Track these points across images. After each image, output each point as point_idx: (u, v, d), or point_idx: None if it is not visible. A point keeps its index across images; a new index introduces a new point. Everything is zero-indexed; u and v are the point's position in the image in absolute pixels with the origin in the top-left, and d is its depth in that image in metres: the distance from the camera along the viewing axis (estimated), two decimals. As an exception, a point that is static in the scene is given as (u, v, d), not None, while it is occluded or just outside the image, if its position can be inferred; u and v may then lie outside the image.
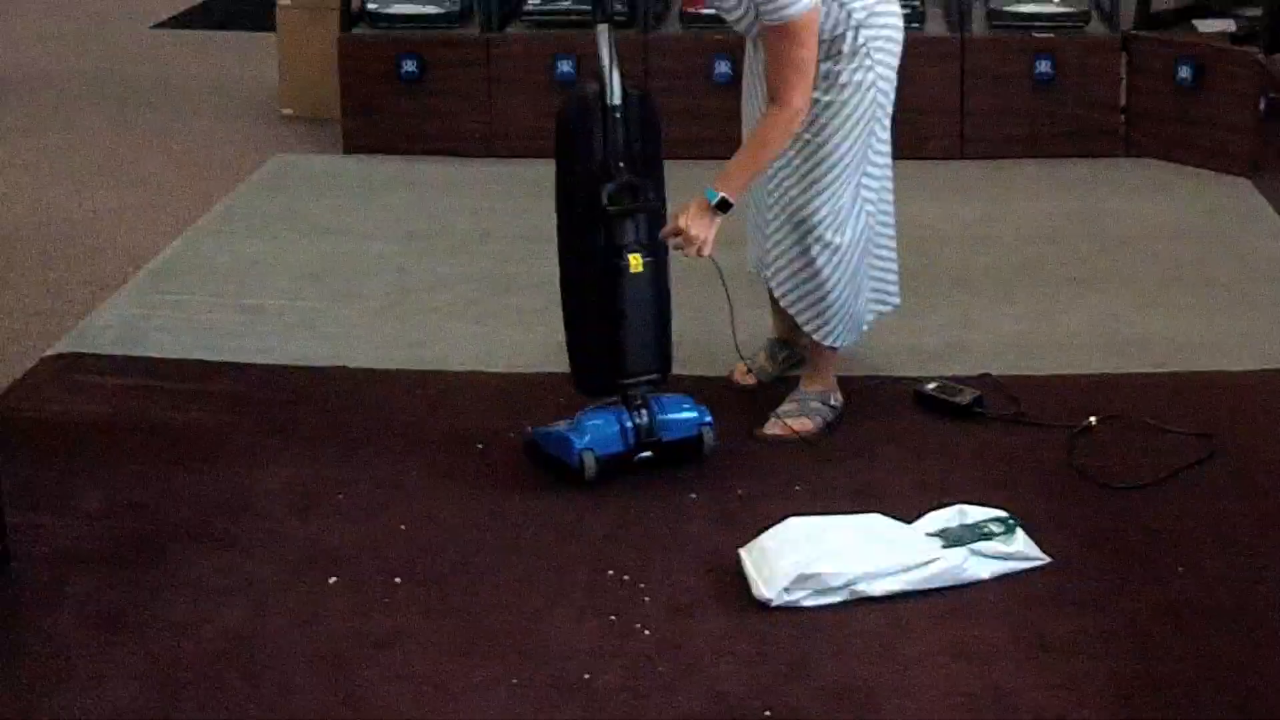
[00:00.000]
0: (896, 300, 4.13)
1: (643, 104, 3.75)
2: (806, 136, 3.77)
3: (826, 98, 3.75)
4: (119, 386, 4.31)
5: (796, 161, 3.80)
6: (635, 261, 3.69)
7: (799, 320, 3.97)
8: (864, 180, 3.86)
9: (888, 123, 3.88)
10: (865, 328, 4.09)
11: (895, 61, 3.82)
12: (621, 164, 3.70)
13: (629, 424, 3.73)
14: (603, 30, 3.71)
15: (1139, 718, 2.95)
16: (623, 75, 3.71)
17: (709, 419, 3.82)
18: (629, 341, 3.74)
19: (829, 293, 3.89)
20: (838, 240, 3.84)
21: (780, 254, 3.91)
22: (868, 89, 3.77)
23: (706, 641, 3.19)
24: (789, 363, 4.24)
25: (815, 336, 3.97)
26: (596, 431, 3.72)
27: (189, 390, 4.28)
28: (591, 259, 3.73)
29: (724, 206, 3.69)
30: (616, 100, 3.69)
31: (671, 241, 3.74)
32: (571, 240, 3.79)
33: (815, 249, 3.84)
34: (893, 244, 4.05)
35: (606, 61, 3.69)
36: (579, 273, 3.79)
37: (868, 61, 3.75)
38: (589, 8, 5.96)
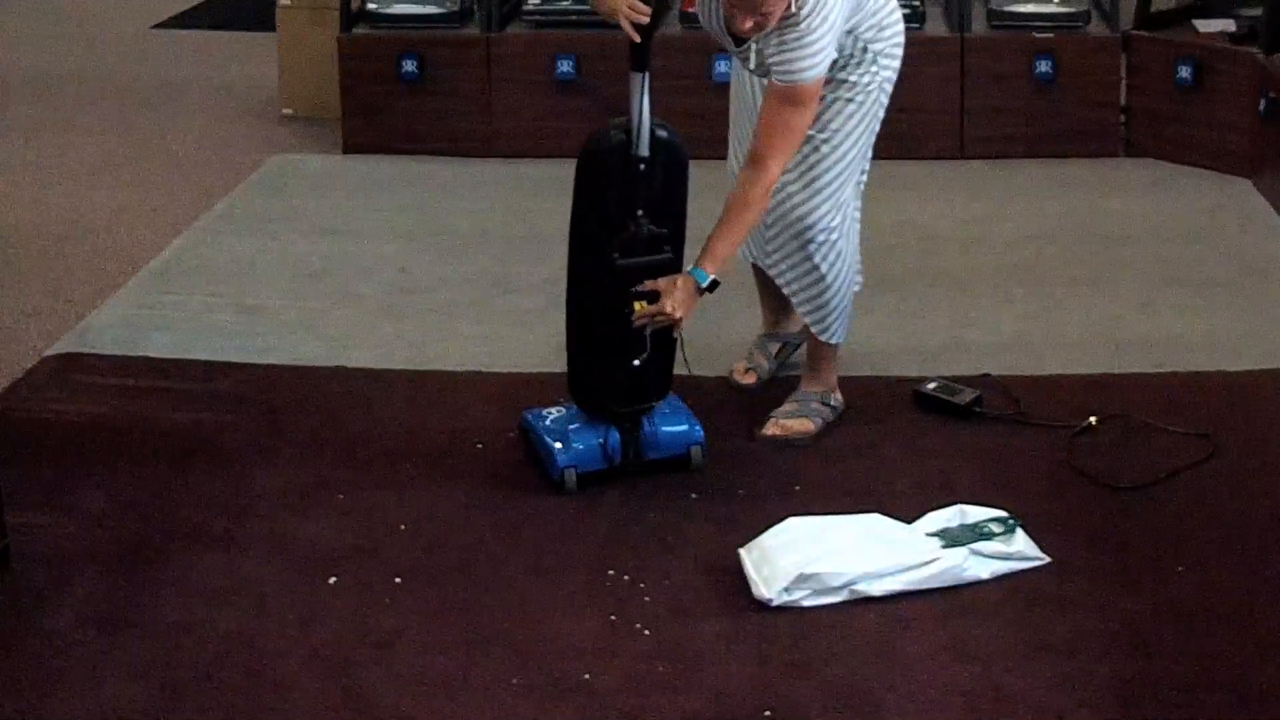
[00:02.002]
0: (860, 282, 4.12)
1: (670, 149, 3.62)
2: (810, 132, 3.76)
3: (834, 94, 3.75)
4: (119, 386, 4.30)
5: (796, 158, 3.80)
6: (641, 309, 3.62)
7: (802, 314, 3.96)
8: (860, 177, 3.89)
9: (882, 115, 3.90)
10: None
11: (899, 64, 3.84)
12: (640, 212, 3.60)
13: (615, 443, 3.72)
14: (637, 78, 3.58)
15: (1139, 718, 2.95)
16: (654, 117, 3.59)
17: (700, 436, 3.80)
18: (626, 381, 3.71)
19: (828, 287, 3.89)
20: (835, 238, 3.84)
21: (778, 247, 3.90)
22: (874, 89, 3.78)
23: (706, 641, 3.19)
24: (784, 355, 4.24)
25: (815, 331, 3.96)
26: (582, 447, 3.72)
27: (189, 390, 4.28)
28: (597, 302, 3.68)
29: (714, 287, 3.64)
30: (644, 152, 3.58)
31: (647, 321, 3.60)
32: (579, 280, 3.72)
33: (811, 247, 3.83)
34: (858, 229, 4.05)
35: (638, 112, 3.57)
36: (583, 311, 3.74)
37: (874, 67, 3.77)
38: (589, 8, 5.97)
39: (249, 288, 4.95)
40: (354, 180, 5.95)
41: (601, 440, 3.72)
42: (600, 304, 3.67)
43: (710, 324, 4.38)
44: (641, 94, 3.58)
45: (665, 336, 3.72)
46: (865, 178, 3.95)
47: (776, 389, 4.14)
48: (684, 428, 3.81)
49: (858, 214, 3.98)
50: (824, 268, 3.86)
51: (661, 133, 3.61)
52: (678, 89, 5.87)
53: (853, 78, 3.76)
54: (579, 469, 3.71)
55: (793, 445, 3.93)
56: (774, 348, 4.27)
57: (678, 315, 3.60)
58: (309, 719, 2.99)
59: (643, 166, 3.59)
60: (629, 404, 3.74)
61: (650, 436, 3.75)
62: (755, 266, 4.13)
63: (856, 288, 4.08)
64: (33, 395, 4.27)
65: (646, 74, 3.59)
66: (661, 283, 3.61)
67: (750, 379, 4.22)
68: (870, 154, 3.91)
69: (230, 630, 3.24)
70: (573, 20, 6.09)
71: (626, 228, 3.61)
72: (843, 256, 3.88)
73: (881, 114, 3.86)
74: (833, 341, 3.99)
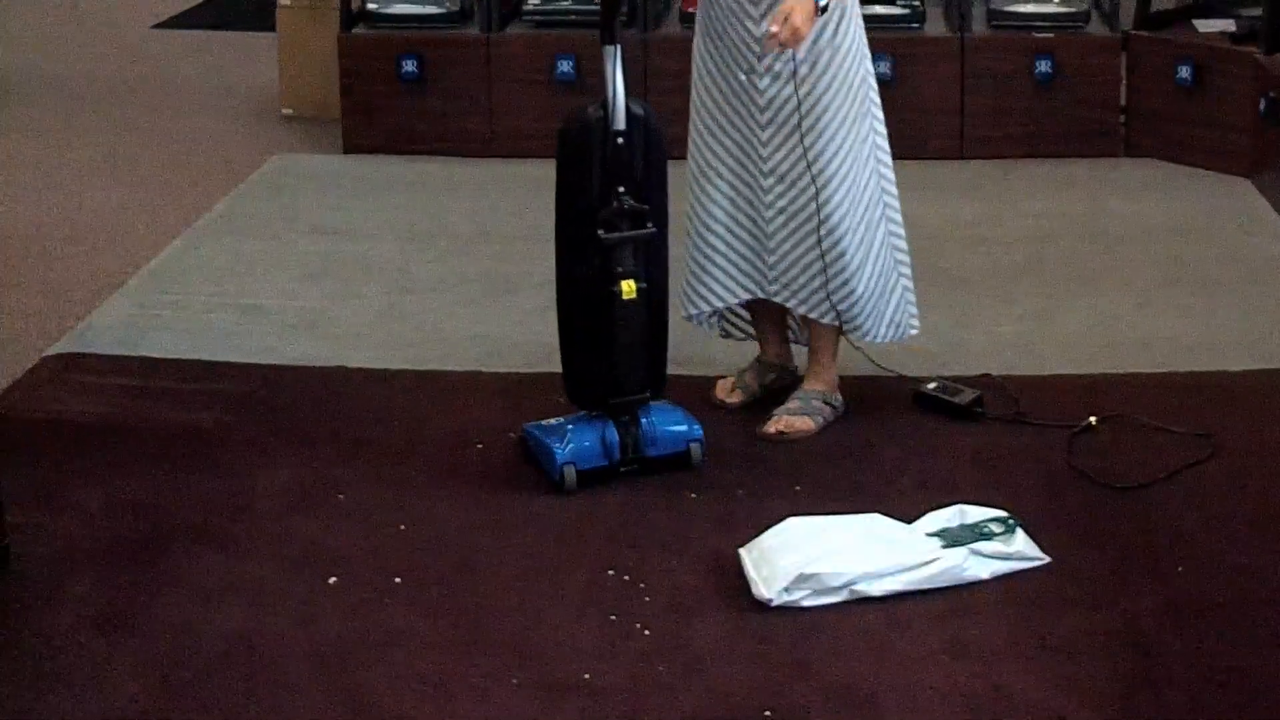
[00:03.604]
0: (915, 325, 4.12)
1: (646, 124, 3.69)
2: (799, 99, 3.79)
3: (813, 76, 3.77)
4: (119, 386, 4.30)
5: (795, 153, 3.81)
6: (628, 288, 3.66)
7: (827, 319, 3.93)
8: (885, 199, 3.91)
9: (882, 117, 3.91)
10: (914, 330, 4.10)
11: (861, 24, 3.86)
12: (622, 189, 3.65)
13: (614, 439, 3.73)
14: (610, 52, 3.64)
15: (1139, 718, 2.95)
16: (628, 96, 3.65)
17: (698, 434, 3.81)
18: (619, 364, 3.72)
19: (853, 275, 3.86)
20: (859, 225, 3.84)
21: (785, 253, 3.90)
22: (846, 60, 3.80)
23: (706, 641, 3.19)
24: (776, 385, 4.17)
25: (847, 329, 3.94)
26: (580, 445, 3.72)
27: (189, 390, 4.28)
28: (585, 283, 3.71)
29: (824, 10, 3.69)
30: (620, 125, 3.63)
31: (769, 42, 3.68)
32: (567, 262, 3.76)
33: (829, 225, 3.83)
34: (909, 270, 4.06)
35: (612, 85, 3.63)
36: (572, 294, 3.77)
37: (839, 35, 3.79)
38: (589, 8, 5.97)
39: (249, 288, 4.95)
40: (354, 180, 5.95)
41: (600, 436, 3.72)
42: (587, 280, 3.69)
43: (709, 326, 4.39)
44: (614, 68, 3.62)
45: (659, 328, 3.75)
46: (889, 172, 3.95)
47: (777, 388, 4.13)
48: (683, 425, 3.81)
49: (896, 229, 3.98)
50: (847, 258, 3.85)
51: (637, 109, 3.67)
52: (678, 89, 5.85)
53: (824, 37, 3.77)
54: (578, 465, 3.71)
55: (793, 445, 3.92)
56: (769, 376, 4.20)
57: (804, 31, 3.63)
58: (309, 719, 2.99)
59: (620, 140, 3.63)
60: (621, 393, 3.74)
61: (649, 433, 3.76)
62: (755, 306, 4.10)
63: (913, 330, 4.09)
64: (33, 395, 4.27)
65: (619, 47, 3.64)
66: (782, 7, 3.64)
67: (736, 399, 4.13)
68: (884, 143, 3.91)
69: (230, 630, 3.24)
70: (573, 20, 6.10)
71: (609, 203, 3.64)
72: (873, 252, 3.88)
73: (873, 95, 3.87)
74: (868, 339, 3.98)
